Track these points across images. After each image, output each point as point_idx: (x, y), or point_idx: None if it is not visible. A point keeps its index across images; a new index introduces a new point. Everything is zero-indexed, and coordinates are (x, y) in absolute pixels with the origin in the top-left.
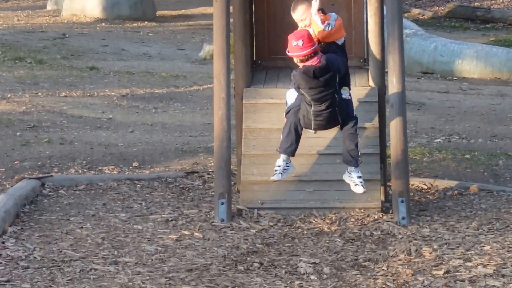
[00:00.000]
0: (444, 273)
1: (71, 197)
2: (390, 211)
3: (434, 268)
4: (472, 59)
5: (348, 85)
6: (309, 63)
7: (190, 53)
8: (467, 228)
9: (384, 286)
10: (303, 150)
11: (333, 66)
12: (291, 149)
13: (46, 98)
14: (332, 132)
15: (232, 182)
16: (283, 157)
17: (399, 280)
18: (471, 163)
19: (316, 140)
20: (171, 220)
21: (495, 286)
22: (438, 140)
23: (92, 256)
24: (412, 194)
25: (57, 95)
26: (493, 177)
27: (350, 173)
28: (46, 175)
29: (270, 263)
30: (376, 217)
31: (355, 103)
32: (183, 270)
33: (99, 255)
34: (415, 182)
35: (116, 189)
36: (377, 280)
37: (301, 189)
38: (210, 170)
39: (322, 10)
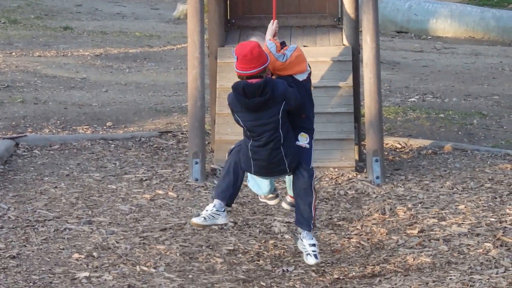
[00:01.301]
0: (419, 232)
1: (45, 157)
2: (364, 171)
3: (408, 227)
4: (446, 18)
5: (309, 132)
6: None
7: (164, 12)
8: (442, 187)
9: (358, 245)
10: None
11: (275, 90)
12: (225, 195)
13: (20, 58)
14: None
15: (206, 142)
16: (215, 202)
17: (373, 239)
18: (445, 122)
19: None
20: (145, 180)
21: (469, 245)
22: (412, 99)
23: (66, 215)
24: (386, 153)
25: (31, 55)
26: (467, 136)
27: (302, 240)
28: (20, 135)
29: (244, 223)
30: (350, 176)
31: (328, 62)
32: (157, 230)
33: (73, 215)
34: (389, 141)
35: (90, 149)
36: (351, 239)
37: None
38: (184, 130)
39: (283, 42)
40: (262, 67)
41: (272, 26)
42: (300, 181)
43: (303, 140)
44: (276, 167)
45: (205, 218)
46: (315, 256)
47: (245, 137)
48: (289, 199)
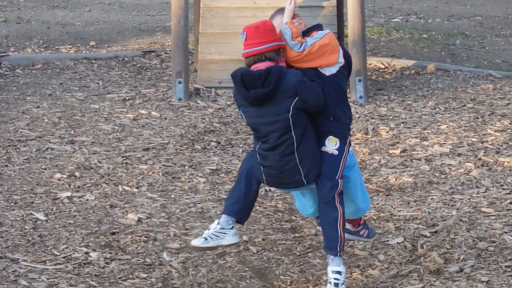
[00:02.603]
0: (401, 152)
1: (27, 76)
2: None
3: (391, 147)
4: None
5: (341, 137)
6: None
7: None
8: (424, 108)
9: None
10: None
11: (284, 81)
12: (234, 208)
13: None
14: None
15: (190, 61)
16: (221, 218)
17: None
18: (428, 42)
19: None
20: (128, 99)
21: (451, 164)
22: (396, 19)
23: (49, 135)
24: (369, 73)
25: None
26: (450, 56)
27: (329, 264)
28: (2, 54)
29: (227, 142)
30: None
31: None
32: (140, 149)
33: (55, 135)
34: (373, 61)
35: (73, 68)
36: None
37: None
38: (167, 49)
39: (313, 27)
40: (273, 44)
41: (289, 6)
42: (321, 194)
43: (331, 145)
44: (290, 177)
45: (206, 239)
46: (336, 285)
47: (254, 137)
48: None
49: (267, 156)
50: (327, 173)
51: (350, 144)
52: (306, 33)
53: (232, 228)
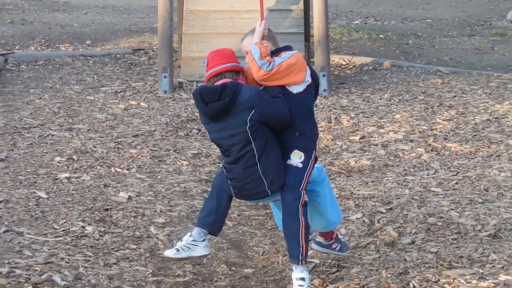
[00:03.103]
0: (360, 138)
1: (31, 71)
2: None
3: (351, 134)
4: None
5: (306, 152)
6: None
7: None
8: (380, 99)
9: None
10: (236, 29)
11: (239, 95)
12: (206, 222)
13: None
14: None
15: (174, 58)
16: (195, 230)
17: (320, 144)
18: (384, 42)
19: (250, 21)
20: (120, 92)
21: (404, 149)
22: (356, 21)
23: (49, 123)
24: (332, 69)
25: None
26: (403, 54)
27: (293, 271)
28: (8, 51)
29: None
30: None
31: None
32: (130, 136)
33: (55, 123)
34: (335, 58)
35: (71, 64)
36: None
37: None
38: (154, 48)
39: (282, 48)
40: (231, 64)
41: (259, 27)
42: (285, 205)
43: (296, 158)
44: (254, 188)
45: (178, 250)
46: None
47: (220, 153)
48: (317, 238)
49: (231, 169)
50: (291, 185)
51: (316, 159)
52: (275, 53)
53: (203, 240)
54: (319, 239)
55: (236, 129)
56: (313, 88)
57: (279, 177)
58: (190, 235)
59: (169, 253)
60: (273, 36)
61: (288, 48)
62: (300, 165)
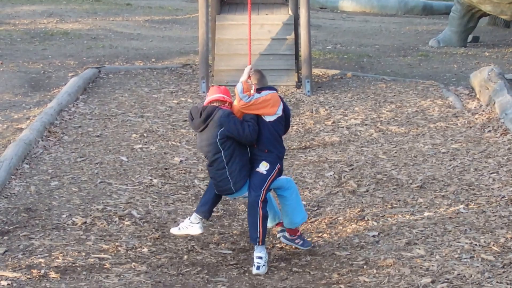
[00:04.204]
0: (332, 122)
1: (116, 78)
2: (301, 87)
3: (326, 120)
4: (348, 0)
5: (271, 164)
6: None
7: None
8: (345, 97)
9: (296, 130)
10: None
11: (214, 115)
12: (202, 209)
13: (101, 21)
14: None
15: (209, 70)
16: (194, 215)
17: (305, 126)
18: (348, 60)
19: (258, 46)
20: (174, 92)
21: (361, 130)
22: (329, 47)
23: (128, 112)
24: (313, 77)
25: (107, 19)
26: (360, 68)
27: (254, 250)
28: (101, 65)
29: None
30: (292, 90)
31: (280, 24)
32: (181, 121)
33: (132, 112)
34: (315, 71)
35: (142, 74)
36: (293, 127)
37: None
38: (196, 63)
39: (264, 88)
40: (221, 96)
41: (246, 70)
42: (249, 200)
43: (262, 167)
44: (224, 185)
45: (179, 229)
46: (258, 267)
47: None
48: (285, 233)
49: (209, 170)
50: (255, 186)
51: (281, 172)
52: (260, 89)
53: (198, 223)
54: (286, 234)
55: (210, 140)
56: (283, 120)
57: (241, 178)
58: (189, 219)
59: (173, 230)
60: (260, 76)
61: (270, 88)
62: (265, 172)
